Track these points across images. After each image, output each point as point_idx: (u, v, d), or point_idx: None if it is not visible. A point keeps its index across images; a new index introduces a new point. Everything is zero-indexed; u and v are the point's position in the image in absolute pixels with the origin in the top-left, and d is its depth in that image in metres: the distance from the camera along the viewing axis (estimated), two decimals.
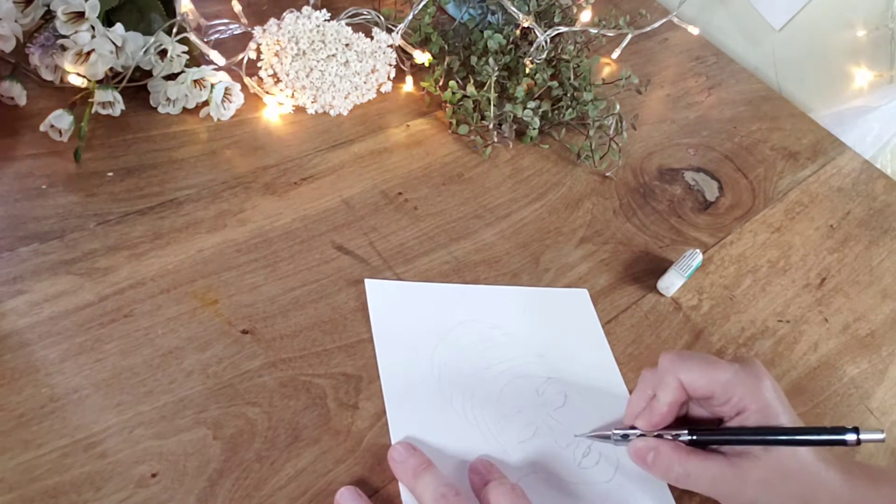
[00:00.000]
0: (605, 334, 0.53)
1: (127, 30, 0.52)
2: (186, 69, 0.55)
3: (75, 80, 0.51)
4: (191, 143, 0.55)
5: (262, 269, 0.49)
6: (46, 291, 0.44)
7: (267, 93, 0.60)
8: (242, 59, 0.58)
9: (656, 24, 0.78)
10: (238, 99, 0.57)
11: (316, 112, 0.61)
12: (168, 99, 0.56)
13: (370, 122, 0.63)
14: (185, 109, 0.57)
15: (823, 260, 0.65)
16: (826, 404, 0.54)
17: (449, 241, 0.55)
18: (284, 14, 0.58)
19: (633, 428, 0.43)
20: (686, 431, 0.42)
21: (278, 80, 0.60)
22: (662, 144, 0.72)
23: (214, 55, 0.58)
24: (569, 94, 0.67)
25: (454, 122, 0.64)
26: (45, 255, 0.45)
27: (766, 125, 0.80)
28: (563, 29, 0.67)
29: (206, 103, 0.57)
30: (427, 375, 0.46)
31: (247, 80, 0.59)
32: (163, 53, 0.54)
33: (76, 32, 0.49)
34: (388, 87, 0.64)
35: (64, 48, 0.50)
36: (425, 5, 0.64)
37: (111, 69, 0.53)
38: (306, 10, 0.59)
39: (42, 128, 0.50)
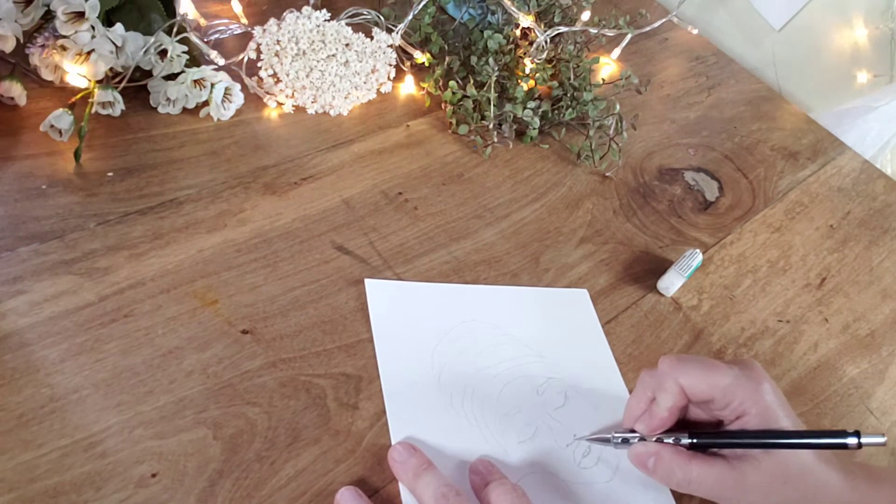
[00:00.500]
0: (605, 334, 0.53)
1: (127, 30, 0.52)
2: (186, 69, 0.55)
3: (75, 80, 0.51)
4: (191, 143, 0.55)
5: (262, 269, 0.49)
6: (46, 291, 0.44)
7: (267, 93, 0.60)
8: (242, 59, 0.58)
9: (656, 24, 0.78)
10: (238, 99, 0.57)
11: (316, 112, 0.61)
12: (168, 99, 0.56)
13: (370, 122, 0.63)
14: (185, 109, 0.57)
15: (823, 260, 0.65)
16: (826, 404, 0.54)
17: (449, 241, 0.55)
18: (284, 14, 0.58)
19: (632, 431, 0.43)
20: (687, 434, 0.42)
21: (278, 80, 0.60)
22: (662, 144, 0.72)
23: (214, 55, 0.58)
24: (569, 94, 0.67)
25: (454, 122, 0.64)
26: (45, 255, 0.45)
27: (766, 125, 0.80)
28: (563, 29, 0.67)
29: (206, 103, 0.57)
30: (427, 375, 0.46)
31: (247, 80, 0.59)
32: (163, 53, 0.54)
33: (76, 32, 0.49)
34: (388, 87, 0.64)
35: (64, 48, 0.50)
36: (425, 5, 0.64)
37: (111, 69, 0.53)
38: (306, 10, 0.59)
39: (42, 128, 0.50)
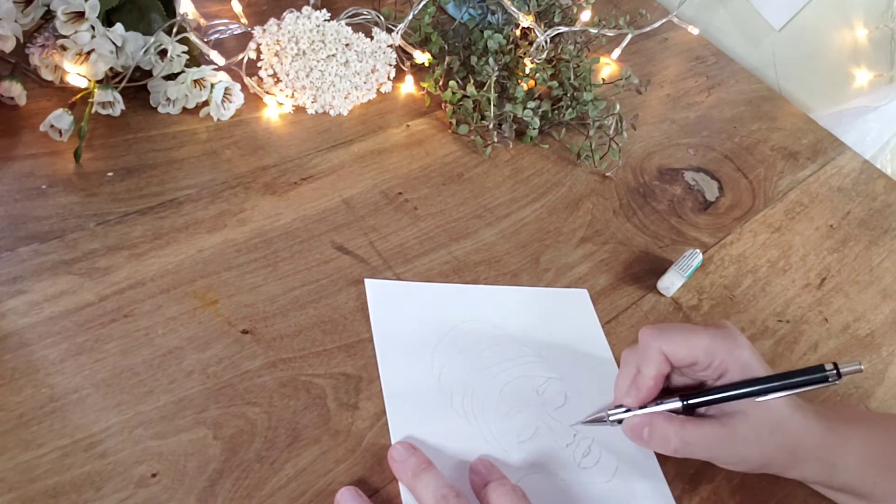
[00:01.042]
0: (605, 334, 0.53)
1: (127, 30, 0.52)
2: (186, 69, 0.55)
3: (75, 80, 0.51)
4: (191, 143, 0.55)
5: (262, 269, 0.49)
6: (46, 291, 0.44)
7: (267, 93, 0.60)
8: (242, 59, 0.58)
9: (656, 24, 0.78)
10: (238, 99, 0.57)
11: (316, 112, 0.61)
12: (168, 99, 0.56)
13: (370, 122, 0.63)
14: (185, 109, 0.57)
15: (823, 260, 0.65)
16: (826, 404, 0.54)
17: (449, 241, 0.55)
18: (284, 14, 0.58)
19: (625, 409, 0.44)
20: (677, 398, 0.43)
21: (278, 80, 0.60)
22: (662, 144, 0.72)
23: (214, 55, 0.58)
24: (569, 94, 0.67)
25: (454, 122, 0.64)
26: (45, 255, 0.45)
27: (766, 125, 0.80)
28: (563, 29, 0.67)
29: (206, 103, 0.57)
30: (427, 375, 0.46)
31: (247, 80, 0.59)
32: (163, 53, 0.54)
33: (76, 32, 0.49)
34: (388, 87, 0.64)
35: (64, 48, 0.50)
36: (425, 5, 0.64)
37: (111, 69, 0.53)
38: (306, 10, 0.59)
39: (42, 128, 0.50)
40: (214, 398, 0.42)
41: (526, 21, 0.65)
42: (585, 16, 0.71)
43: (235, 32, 0.61)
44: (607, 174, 0.66)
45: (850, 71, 0.82)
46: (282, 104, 0.60)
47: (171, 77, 0.55)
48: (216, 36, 0.61)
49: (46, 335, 0.42)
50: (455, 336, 0.49)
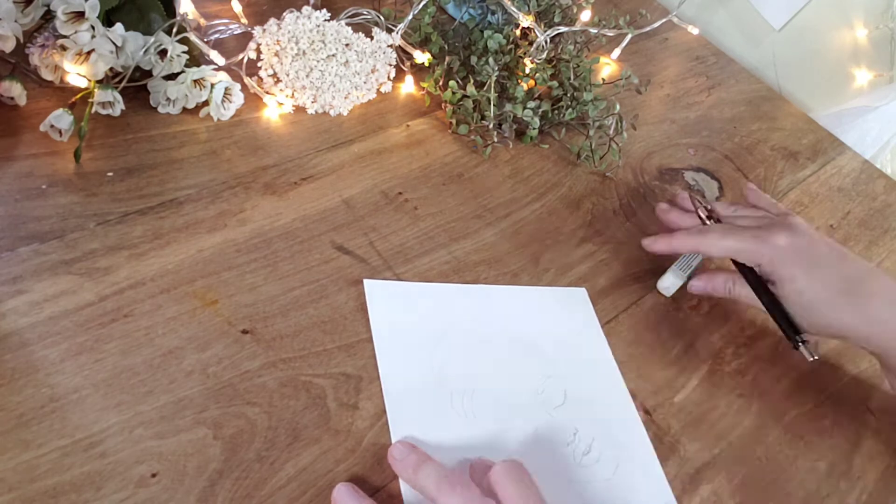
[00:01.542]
0: (605, 334, 0.53)
1: (127, 30, 0.52)
2: (186, 69, 0.55)
3: (75, 80, 0.51)
4: (191, 143, 0.55)
5: (262, 269, 0.49)
6: (46, 291, 0.44)
7: (267, 93, 0.60)
8: (242, 59, 0.58)
9: (656, 24, 0.78)
10: (238, 99, 0.57)
11: (316, 112, 0.61)
12: (168, 99, 0.56)
13: (370, 122, 0.63)
14: (185, 109, 0.57)
15: None
16: (826, 404, 0.54)
17: (449, 241, 0.55)
18: (284, 14, 0.58)
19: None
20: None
21: (278, 80, 0.60)
22: (662, 144, 0.72)
23: (214, 55, 0.58)
24: (569, 94, 0.67)
25: (454, 122, 0.64)
26: (45, 255, 0.45)
27: (766, 125, 0.80)
28: (563, 29, 0.67)
29: (206, 103, 0.57)
30: (427, 375, 0.46)
31: (247, 80, 0.59)
32: (163, 53, 0.54)
33: (76, 32, 0.49)
34: (388, 87, 0.64)
35: (64, 48, 0.50)
36: (425, 5, 0.64)
37: (111, 69, 0.53)
38: (306, 10, 0.59)
39: (42, 128, 0.50)
40: (214, 398, 0.42)
41: (526, 21, 0.65)
42: (585, 16, 0.71)
43: (235, 32, 0.61)
44: (607, 174, 0.66)
45: (850, 71, 0.82)
46: (282, 104, 0.60)
47: (171, 77, 0.55)
48: (216, 36, 0.61)
49: (46, 335, 0.42)
50: (454, 336, 0.49)
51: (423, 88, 0.66)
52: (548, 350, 0.50)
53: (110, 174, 0.51)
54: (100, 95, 0.51)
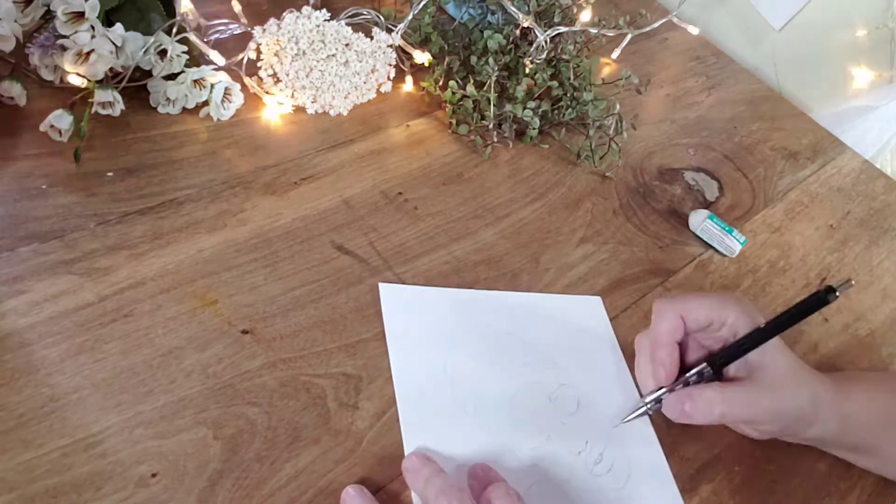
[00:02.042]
0: None
1: (127, 30, 0.52)
2: (186, 69, 0.55)
3: (75, 80, 0.51)
4: (191, 143, 0.55)
5: (262, 269, 0.49)
6: (46, 291, 0.44)
7: (267, 93, 0.60)
8: (242, 59, 0.58)
9: (656, 24, 0.78)
10: (238, 99, 0.57)
11: (316, 112, 0.61)
12: (168, 99, 0.56)
13: (370, 122, 0.63)
14: (184, 109, 0.57)
15: (823, 260, 0.65)
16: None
17: (449, 241, 0.55)
18: (284, 14, 0.58)
19: (658, 391, 0.45)
20: (705, 364, 0.44)
21: (278, 80, 0.60)
22: (662, 144, 0.72)
23: (214, 55, 0.58)
24: (569, 94, 0.67)
25: (454, 122, 0.64)
26: (45, 255, 0.45)
27: (766, 125, 0.80)
28: (563, 29, 0.67)
29: (205, 103, 0.57)
30: (440, 380, 0.46)
31: (247, 80, 0.59)
32: (163, 53, 0.54)
33: (76, 32, 0.49)
34: (388, 87, 0.64)
35: (64, 48, 0.50)
36: (425, 5, 0.64)
37: (111, 69, 0.53)
38: (306, 10, 0.59)
39: (42, 128, 0.50)
40: (214, 398, 0.42)
41: (526, 21, 0.65)
42: (585, 16, 0.71)
43: (235, 32, 0.61)
44: (607, 174, 0.66)
45: (850, 71, 0.82)
46: (282, 104, 0.60)
47: (171, 77, 0.55)
48: (216, 36, 0.61)
49: (46, 335, 0.42)
50: (468, 342, 0.48)
51: (423, 88, 0.66)
52: (562, 358, 0.50)
53: (110, 174, 0.51)
54: (100, 95, 0.51)
